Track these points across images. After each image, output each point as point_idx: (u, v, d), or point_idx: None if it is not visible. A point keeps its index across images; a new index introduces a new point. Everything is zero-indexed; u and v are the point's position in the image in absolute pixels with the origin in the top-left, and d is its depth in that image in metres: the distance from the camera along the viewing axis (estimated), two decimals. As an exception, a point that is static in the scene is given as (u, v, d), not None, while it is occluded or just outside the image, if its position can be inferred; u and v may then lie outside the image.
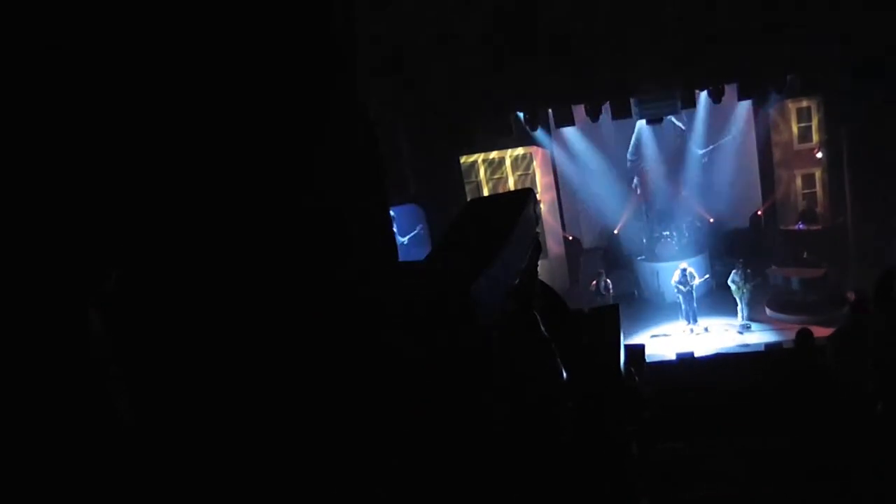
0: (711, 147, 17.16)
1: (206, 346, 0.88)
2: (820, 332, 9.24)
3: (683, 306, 14.40)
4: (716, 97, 15.29)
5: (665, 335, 14.25)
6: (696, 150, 17.30)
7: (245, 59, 0.96)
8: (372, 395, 1.11)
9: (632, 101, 14.41)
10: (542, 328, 1.53)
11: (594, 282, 15.01)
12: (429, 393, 1.21)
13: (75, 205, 0.84)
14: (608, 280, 15.06)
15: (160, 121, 0.89)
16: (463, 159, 16.56)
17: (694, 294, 14.35)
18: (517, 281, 1.55)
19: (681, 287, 14.29)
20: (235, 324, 0.91)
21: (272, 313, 0.94)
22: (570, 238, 18.33)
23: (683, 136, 17.36)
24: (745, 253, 15.02)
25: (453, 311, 1.25)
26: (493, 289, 1.36)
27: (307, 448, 0.99)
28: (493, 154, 16.91)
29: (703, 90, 15.43)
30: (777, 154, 16.69)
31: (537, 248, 1.80)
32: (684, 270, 14.36)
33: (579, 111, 15.76)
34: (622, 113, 14.98)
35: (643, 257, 16.72)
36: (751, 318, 14.14)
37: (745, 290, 14.06)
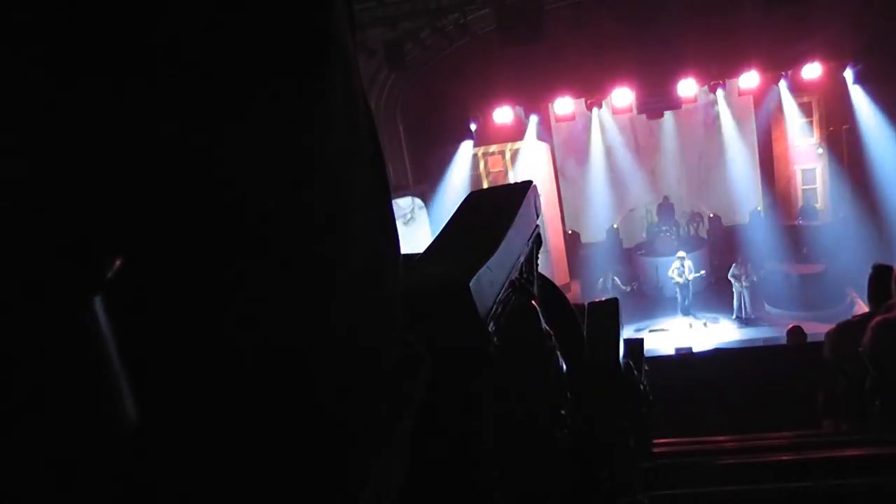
0: (711, 143, 17.16)
1: (208, 339, 0.88)
2: (819, 328, 9.27)
3: (679, 298, 14.43)
4: (716, 92, 15.30)
5: (664, 330, 14.28)
6: (697, 145, 17.31)
7: (240, 49, 0.95)
8: (372, 394, 1.10)
9: (632, 95, 14.40)
10: (542, 321, 1.52)
11: (602, 279, 15.02)
12: (426, 389, 1.21)
13: (76, 194, 0.83)
14: (616, 278, 15.08)
15: (156, 113, 0.88)
16: (463, 153, 16.57)
17: (691, 287, 14.37)
18: (517, 273, 1.54)
19: (677, 278, 14.31)
20: (235, 320, 0.91)
21: (270, 311, 0.93)
22: (570, 232, 18.34)
23: (683, 132, 17.36)
24: (744, 248, 15.04)
25: (452, 303, 1.24)
26: (493, 281, 1.35)
27: (306, 447, 0.99)
28: (493, 148, 16.89)
29: (703, 85, 15.43)
30: (777, 149, 16.69)
31: (538, 240, 1.78)
32: (682, 260, 14.37)
33: (579, 105, 15.76)
34: (622, 107, 14.98)
35: (642, 252, 16.72)
36: (750, 314, 14.16)
37: (744, 286, 14.08)
